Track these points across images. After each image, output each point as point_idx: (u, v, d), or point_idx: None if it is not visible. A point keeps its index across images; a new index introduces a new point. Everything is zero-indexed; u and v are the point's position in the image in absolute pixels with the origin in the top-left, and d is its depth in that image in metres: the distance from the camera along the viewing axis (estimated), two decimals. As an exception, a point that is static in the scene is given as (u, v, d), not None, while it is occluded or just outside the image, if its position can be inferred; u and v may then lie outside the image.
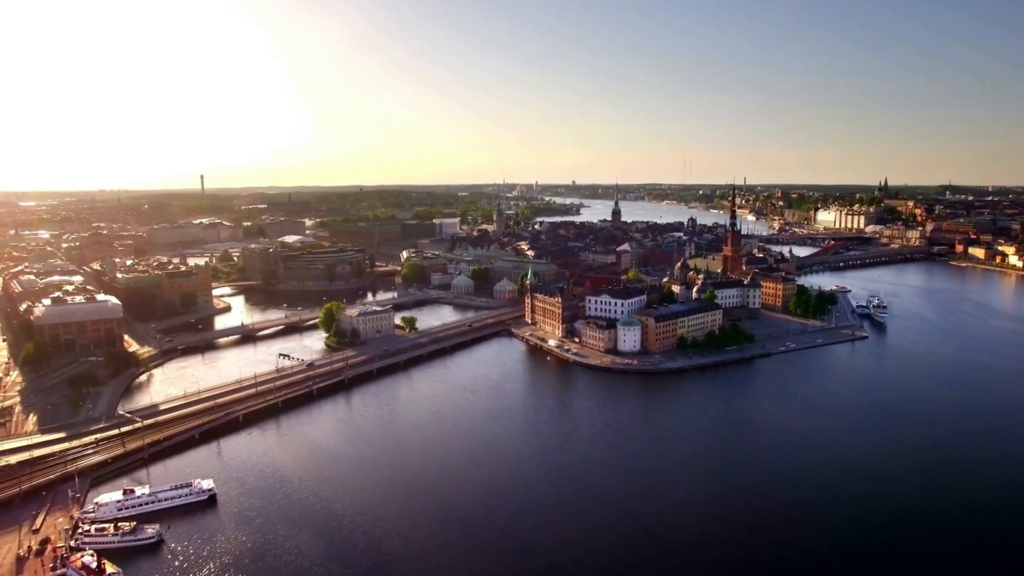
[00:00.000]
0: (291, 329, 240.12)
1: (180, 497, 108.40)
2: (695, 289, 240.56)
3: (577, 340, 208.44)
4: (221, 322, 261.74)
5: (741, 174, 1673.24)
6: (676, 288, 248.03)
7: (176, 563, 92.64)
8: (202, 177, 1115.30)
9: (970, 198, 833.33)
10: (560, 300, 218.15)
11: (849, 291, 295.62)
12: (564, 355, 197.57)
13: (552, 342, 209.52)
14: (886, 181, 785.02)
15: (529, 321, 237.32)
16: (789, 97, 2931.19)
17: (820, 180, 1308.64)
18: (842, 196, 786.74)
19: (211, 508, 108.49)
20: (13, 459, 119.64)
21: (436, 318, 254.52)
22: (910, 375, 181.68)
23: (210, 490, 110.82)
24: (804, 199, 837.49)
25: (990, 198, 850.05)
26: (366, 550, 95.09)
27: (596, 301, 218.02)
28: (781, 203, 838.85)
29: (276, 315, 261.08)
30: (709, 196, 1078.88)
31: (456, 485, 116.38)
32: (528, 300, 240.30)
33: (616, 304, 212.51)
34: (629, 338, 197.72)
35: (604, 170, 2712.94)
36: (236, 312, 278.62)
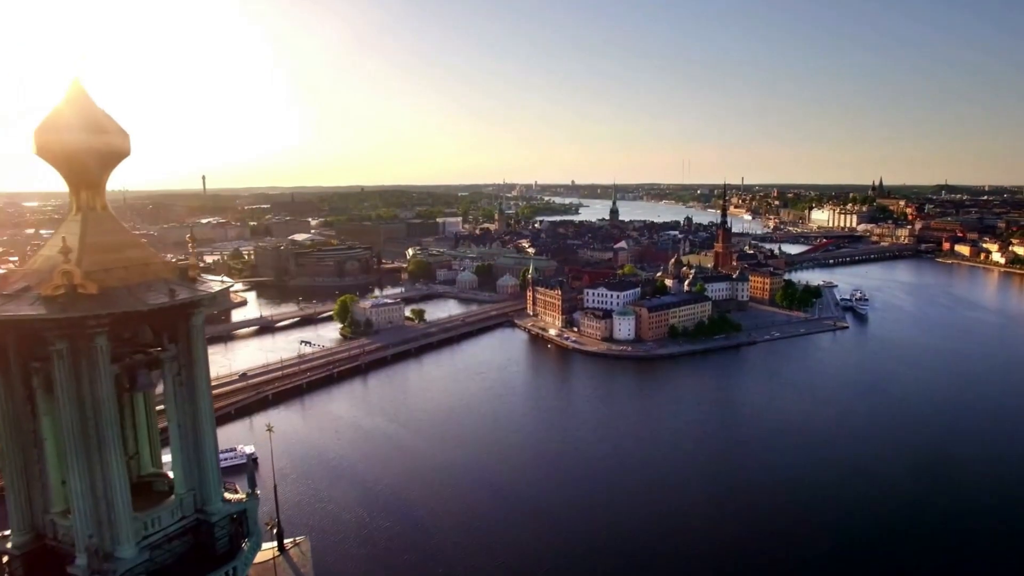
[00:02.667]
0: (307, 321, 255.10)
1: (227, 459, 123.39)
2: (686, 282, 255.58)
3: (576, 329, 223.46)
4: (238, 315, 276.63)
5: (740, 174, 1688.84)
6: (669, 282, 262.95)
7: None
8: (204, 177, 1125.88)
9: (965, 197, 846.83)
10: (560, 293, 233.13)
11: (835, 286, 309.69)
12: (563, 343, 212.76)
13: (552, 331, 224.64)
14: (881, 181, 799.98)
15: (531, 313, 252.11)
16: (788, 97, 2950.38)
17: (818, 180, 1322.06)
18: (837, 196, 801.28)
19: (253, 469, 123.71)
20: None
21: (443, 311, 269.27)
22: (883, 359, 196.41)
23: (252, 454, 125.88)
24: (800, 198, 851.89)
25: (985, 197, 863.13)
26: (388, 498, 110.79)
27: (593, 293, 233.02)
28: (777, 202, 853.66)
29: (290, 308, 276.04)
30: (707, 196, 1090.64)
31: (463, 446, 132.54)
32: (530, 293, 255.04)
33: (612, 296, 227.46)
34: (624, 327, 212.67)
35: (603, 170, 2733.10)
36: (252, 306, 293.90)
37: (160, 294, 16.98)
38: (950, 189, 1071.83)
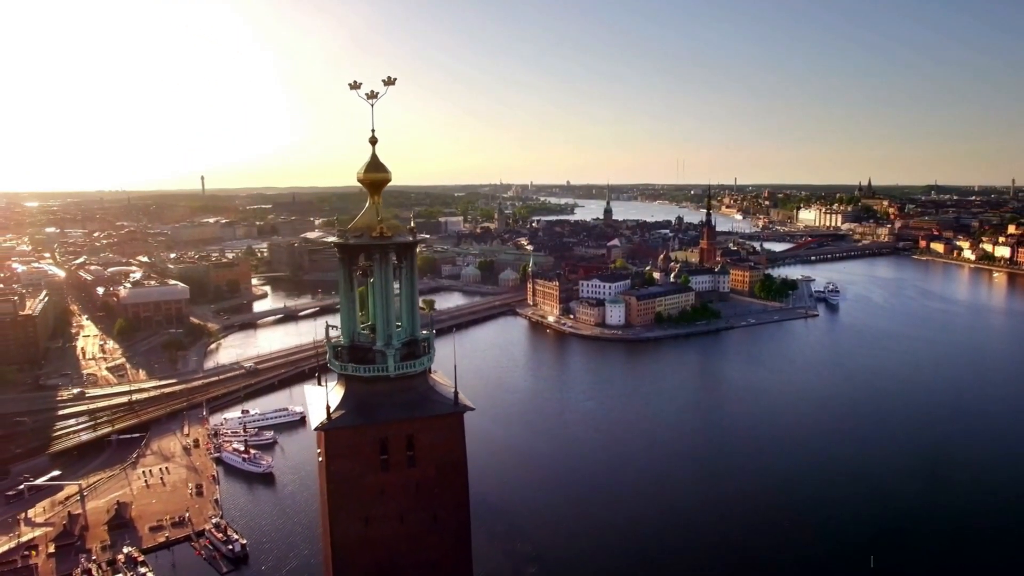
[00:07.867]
0: (325, 310, 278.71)
1: (280, 417, 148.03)
2: (672, 275, 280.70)
3: (572, 316, 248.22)
4: (259, 306, 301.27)
5: (734, 174, 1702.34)
6: (657, 275, 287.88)
7: (287, 453, 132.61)
8: (203, 178, 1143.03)
9: (953, 197, 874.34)
10: (558, 284, 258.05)
11: (813, 280, 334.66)
12: (560, 328, 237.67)
13: (550, 318, 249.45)
14: (870, 181, 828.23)
15: (531, 303, 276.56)
16: (784, 97, 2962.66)
17: (813, 180, 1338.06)
18: (826, 196, 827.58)
19: (302, 425, 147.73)
20: (151, 394, 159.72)
21: (449, 302, 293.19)
22: (843, 341, 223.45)
23: (300, 413, 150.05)
24: (790, 199, 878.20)
25: (973, 197, 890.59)
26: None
27: (588, 284, 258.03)
28: (767, 203, 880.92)
29: (306, 300, 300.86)
30: (700, 196, 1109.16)
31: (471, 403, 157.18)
32: (530, 285, 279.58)
33: (605, 287, 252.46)
34: (615, 314, 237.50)
35: (599, 170, 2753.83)
36: (269, 299, 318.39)
37: (408, 237, 41.19)
38: (940, 189, 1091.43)
